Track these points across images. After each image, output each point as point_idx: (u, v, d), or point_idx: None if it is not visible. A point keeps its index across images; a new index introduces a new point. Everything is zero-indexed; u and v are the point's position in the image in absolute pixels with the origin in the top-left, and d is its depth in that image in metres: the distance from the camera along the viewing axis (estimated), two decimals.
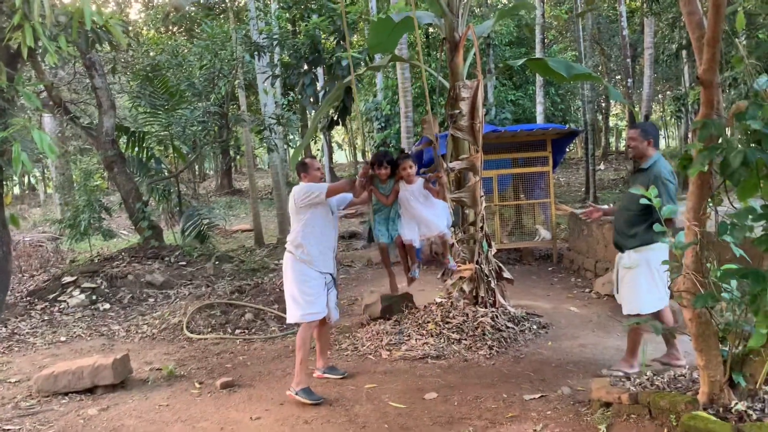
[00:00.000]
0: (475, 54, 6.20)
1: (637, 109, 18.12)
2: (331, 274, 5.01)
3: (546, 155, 9.95)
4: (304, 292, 4.82)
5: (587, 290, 8.04)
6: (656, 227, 3.46)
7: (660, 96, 31.11)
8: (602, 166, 25.07)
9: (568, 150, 15.82)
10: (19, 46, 3.98)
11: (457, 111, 6.09)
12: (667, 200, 4.45)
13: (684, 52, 16.84)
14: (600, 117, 29.59)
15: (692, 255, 3.27)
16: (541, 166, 10.00)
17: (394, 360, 5.61)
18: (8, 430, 4.51)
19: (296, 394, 4.70)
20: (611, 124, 35.72)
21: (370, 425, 4.20)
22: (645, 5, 16.74)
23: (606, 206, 5.44)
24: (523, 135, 9.91)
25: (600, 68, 24.88)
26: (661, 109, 33.29)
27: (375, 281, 9.44)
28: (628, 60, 16.39)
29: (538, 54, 15.20)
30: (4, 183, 4.95)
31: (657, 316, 4.71)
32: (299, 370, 4.76)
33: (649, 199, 3.46)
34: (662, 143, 35.67)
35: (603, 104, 29.34)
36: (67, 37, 4.35)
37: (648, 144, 4.74)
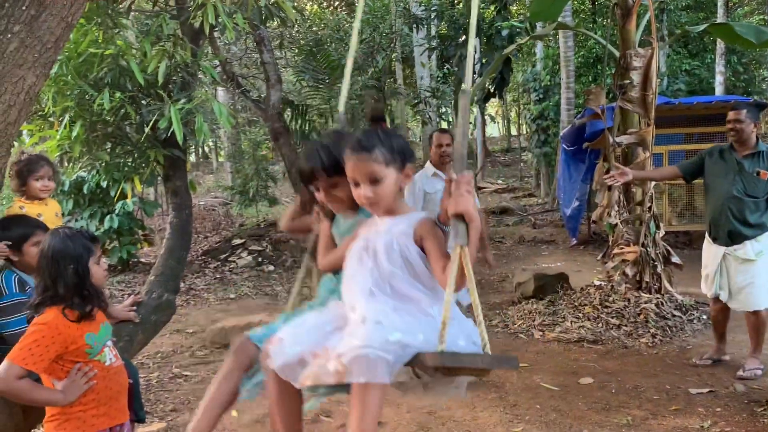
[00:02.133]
0: (649, 19, 5.75)
1: None
2: None
3: (725, 130, 9.03)
4: None
5: None
6: None
7: None
8: None
9: None
10: (201, 24, 4.27)
11: (628, 81, 5.71)
12: None
13: None
14: None
15: None
16: (719, 142, 9.07)
17: (547, 341, 5.46)
18: (187, 375, 4.99)
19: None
20: None
21: (521, 404, 4.12)
22: None
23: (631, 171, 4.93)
24: (699, 108, 9.10)
25: None
26: None
27: (527, 259, 9.23)
28: None
29: (720, 18, 13.82)
30: (186, 151, 5.39)
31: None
32: None
33: None
34: None
35: None
36: (242, 14, 4.60)
37: (755, 127, 4.40)
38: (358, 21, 2.82)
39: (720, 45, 14.30)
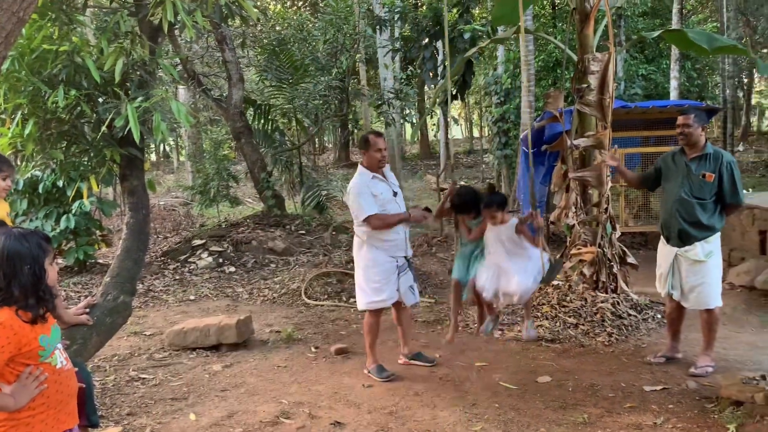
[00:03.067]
0: (606, 25, 5.87)
1: None
2: (405, 257, 4.73)
3: (701, 132, 9.28)
4: (371, 279, 4.61)
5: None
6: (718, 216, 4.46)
7: None
8: (741, 148, 23.13)
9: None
10: (160, 21, 4.21)
11: (585, 85, 5.80)
12: (740, 187, 4.48)
13: None
14: (741, 94, 27.23)
15: None
16: (674, 145, 9.32)
17: (506, 340, 5.53)
18: (144, 378, 4.91)
19: (369, 372, 4.76)
20: (753, 102, 32.78)
21: (481, 403, 4.17)
22: None
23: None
24: (655, 112, 9.31)
25: (744, 41, 22.82)
26: None
27: None
28: None
29: (675, 25, 14.19)
30: (144, 150, 5.31)
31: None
32: (369, 352, 4.78)
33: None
34: None
35: (745, 80, 26.97)
36: (202, 12, 4.55)
37: (702, 130, 4.56)
38: None
39: (675, 51, 14.68)
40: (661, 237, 4.80)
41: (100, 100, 4.50)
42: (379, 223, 4.54)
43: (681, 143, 4.63)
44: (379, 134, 4.83)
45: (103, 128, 4.26)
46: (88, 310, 3.63)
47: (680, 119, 4.59)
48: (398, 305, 4.86)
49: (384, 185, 4.72)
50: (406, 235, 4.78)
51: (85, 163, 5.09)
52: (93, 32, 4.64)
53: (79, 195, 8.32)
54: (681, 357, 4.86)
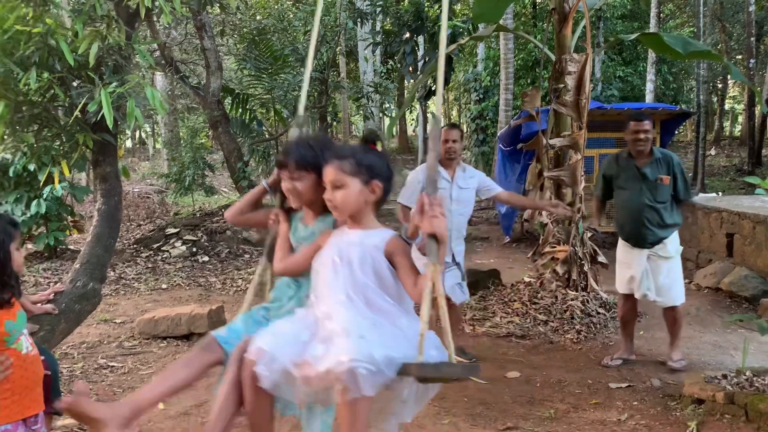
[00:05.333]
0: (584, 26, 5.93)
1: (759, 89, 16.83)
2: (453, 259, 4.66)
3: (653, 136, 9.43)
4: None
5: (687, 281, 7.60)
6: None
7: None
8: (713, 152, 23.52)
9: (677, 132, 14.96)
10: (137, 6, 4.15)
11: (562, 85, 5.87)
12: (689, 183, 4.75)
13: None
14: (715, 99, 27.70)
15: None
16: None
17: (477, 335, 5.58)
18: (113, 366, 4.87)
19: None
20: (727, 107, 33.37)
21: (449, 397, 4.20)
22: None
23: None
24: (630, 113, 9.43)
25: (719, 46, 23.20)
26: None
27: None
28: (753, 39, 15.20)
29: (652, 29, 14.36)
30: (118, 137, 5.25)
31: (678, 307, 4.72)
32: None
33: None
34: None
35: (719, 85, 27.43)
36: None
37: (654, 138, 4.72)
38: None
39: (651, 54, 14.87)
40: (622, 241, 4.82)
41: (74, 84, 4.42)
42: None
43: (637, 148, 4.55)
44: (453, 125, 4.80)
45: (76, 113, 4.19)
46: (52, 296, 3.58)
47: (636, 125, 4.51)
48: (448, 302, 4.80)
49: (442, 182, 4.61)
50: (457, 236, 4.69)
51: (57, 147, 5.00)
52: (68, 15, 4.55)
53: (50, 180, 8.18)
54: (634, 358, 4.91)
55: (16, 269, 2.25)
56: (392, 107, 16.74)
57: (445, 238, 1.91)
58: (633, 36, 6.58)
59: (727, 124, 34.59)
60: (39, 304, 3.44)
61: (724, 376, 3.91)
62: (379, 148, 2.18)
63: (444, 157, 4.71)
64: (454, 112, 32.64)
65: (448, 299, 4.69)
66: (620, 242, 4.87)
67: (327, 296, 2.04)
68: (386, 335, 1.89)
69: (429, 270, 1.88)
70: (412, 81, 11.91)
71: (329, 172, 2.09)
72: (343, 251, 2.07)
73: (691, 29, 20.34)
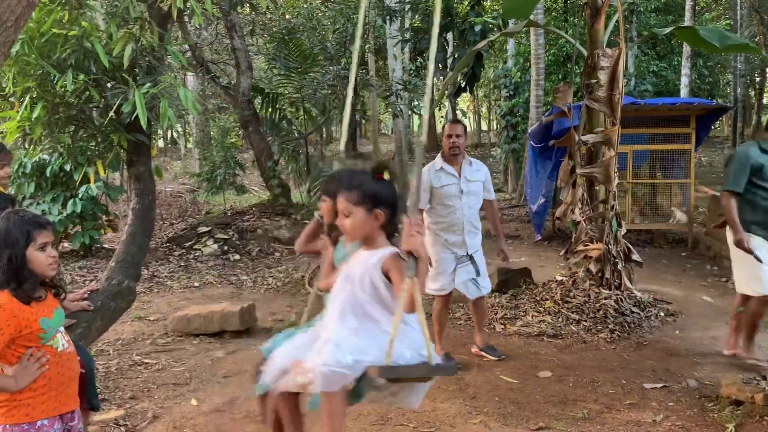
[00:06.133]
0: (617, 20, 5.83)
1: None
2: (467, 252, 4.75)
3: (689, 132, 9.24)
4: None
5: (723, 279, 7.46)
6: None
7: None
8: None
9: (713, 127, 14.62)
10: (169, 8, 4.21)
11: (595, 81, 5.77)
12: None
13: None
14: (753, 93, 27.03)
15: None
16: (682, 143, 9.31)
17: (508, 334, 5.53)
18: (147, 363, 4.94)
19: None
20: (765, 100, 32.54)
21: (481, 396, 4.18)
22: None
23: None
24: (664, 109, 9.26)
25: (757, 39, 22.65)
26: None
27: (492, 253, 9.31)
28: None
29: (687, 22, 14.08)
30: (151, 137, 5.33)
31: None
32: (437, 339, 4.75)
33: None
34: None
35: (758, 79, 26.76)
36: None
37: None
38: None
39: (686, 48, 14.59)
40: (758, 238, 4.45)
41: (109, 85, 4.50)
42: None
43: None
44: (456, 121, 4.90)
45: (111, 113, 4.27)
46: (87, 295, 3.65)
47: None
48: (473, 299, 4.90)
49: (450, 179, 4.73)
50: (470, 230, 4.77)
51: (93, 147, 5.10)
52: (102, 17, 4.63)
53: (86, 179, 8.36)
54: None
55: (39, 270, 2.27)
56: (421, 105, 16.68)
57: (421, 254, 2.16)
58: (667, 30, 6.45)
59: (765, 118, 33.74)
60: (75, 302, 3.49)
61: (764, 377, 3.82)
62: (386, 177, 2.43)
63: (448, 153, 4.77)
64: (484, 109, 32.43)
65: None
66: (758, 239, 4.48)
67: (330, 310, 2.46)
68: (364, 342, 2.26)
69: (406, 284, 2.16)
70: (441, 78, 11.87)
71: (339, 202, 2.43)
72: (351, 270, 2.44)
73: (728, 22, 19.89)
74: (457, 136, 4.70)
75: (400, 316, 2.17)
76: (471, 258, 4.79)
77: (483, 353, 4.96)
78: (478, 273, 4.81)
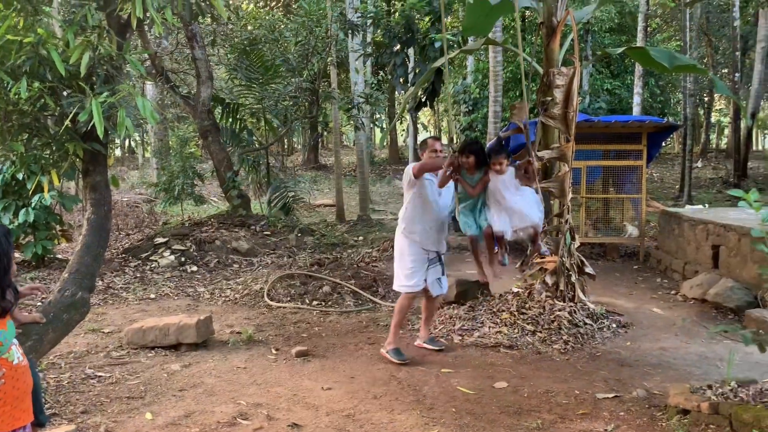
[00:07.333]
0: (572, 40, 6.01)
1: (744, 103, 17.05)
2: (437, 252, 5.27)
3: (640, 149, 9.54)
4: (404, 266, 5.20)
5: (673, 292, 7.71)
6: None
7: None
8: (700, 164, 23.79)
9: (664, 144, 15.11)
10: (129, 17, 4.18)
11: (550, 98, 5.93)
12: None
13: None
14: (702, 112, 28.02)
15: None
16: (634, 159, 9.61)
17: (465, 346, 5.60)
18: (100, 376, 4.84)
19: (387, 352, 5.21)
20: (713, 119, 33.75)
21: (438, 407, 4.22)
22: None
23: None
24: (617, 126, 9.54)
25: (705, 60, 23.53)
26: None
27: (451, 265, 9.40)
28: (738, 53, 15.43)
29: (639, 42, 14.55)
30: (108, 146, 5.26)
31: None
32: (392, 332, 5.26)
33: None
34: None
35: (706, 98, 27.77)
36: (172, 9, 4.53)
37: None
38: None
39: (638, 68, 15.04)
40: None
41: (65, 93, 4.44)
42: (420, 167, 5.09)
43: None
44: (436, 138, 5.46)
45: (67, 122, 4.21)
46: (40, 294, 3.55)
47: None
48: (428, 295, 5.40)
49: (431, 185, 5.26)
50: (443, 232, 5.32)
51: (47, 156, 5.01)
52: (59, 24, 4.57)
53: (39, 188, 8.16)
54: None
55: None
56: (383, 118, 16.82)
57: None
58: (620, 50, 6.67)
59: (713, 136, 34.99)
60: (26, 314, 3.42)
61: (709, 387, 3.95)
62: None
63: None
64: (444, 123, 32.78)
65: (428, 292, 5.27)
66: None
67: (504, 198, 5.10)
68: (532, 202, 5.26)
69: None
70: (402, 92, 11.99)
71: (500, 158, 5.05)
72: (502, 182, 5.09)
73: (678, 43, 20.61)
74: (440, 150, 5.28)
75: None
76: (439, 258, 5.32)
77: (425, 345, 5.49)
78: (443, 273, 5.39)
